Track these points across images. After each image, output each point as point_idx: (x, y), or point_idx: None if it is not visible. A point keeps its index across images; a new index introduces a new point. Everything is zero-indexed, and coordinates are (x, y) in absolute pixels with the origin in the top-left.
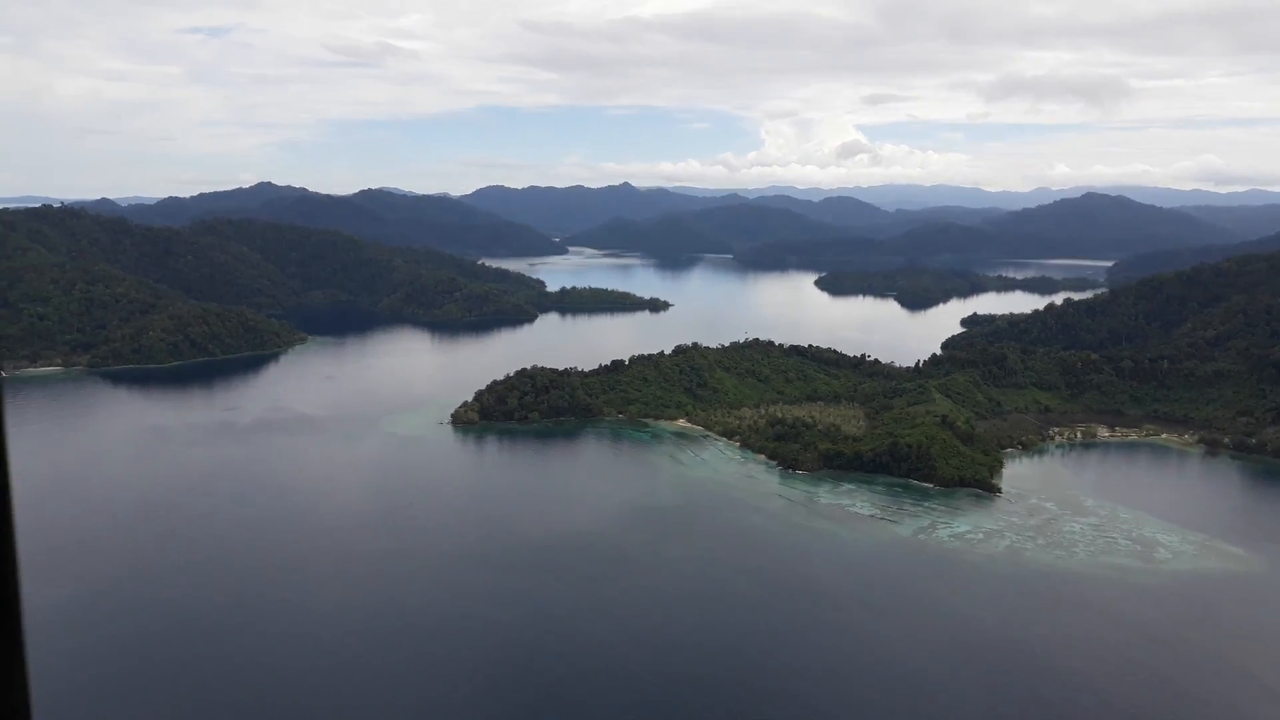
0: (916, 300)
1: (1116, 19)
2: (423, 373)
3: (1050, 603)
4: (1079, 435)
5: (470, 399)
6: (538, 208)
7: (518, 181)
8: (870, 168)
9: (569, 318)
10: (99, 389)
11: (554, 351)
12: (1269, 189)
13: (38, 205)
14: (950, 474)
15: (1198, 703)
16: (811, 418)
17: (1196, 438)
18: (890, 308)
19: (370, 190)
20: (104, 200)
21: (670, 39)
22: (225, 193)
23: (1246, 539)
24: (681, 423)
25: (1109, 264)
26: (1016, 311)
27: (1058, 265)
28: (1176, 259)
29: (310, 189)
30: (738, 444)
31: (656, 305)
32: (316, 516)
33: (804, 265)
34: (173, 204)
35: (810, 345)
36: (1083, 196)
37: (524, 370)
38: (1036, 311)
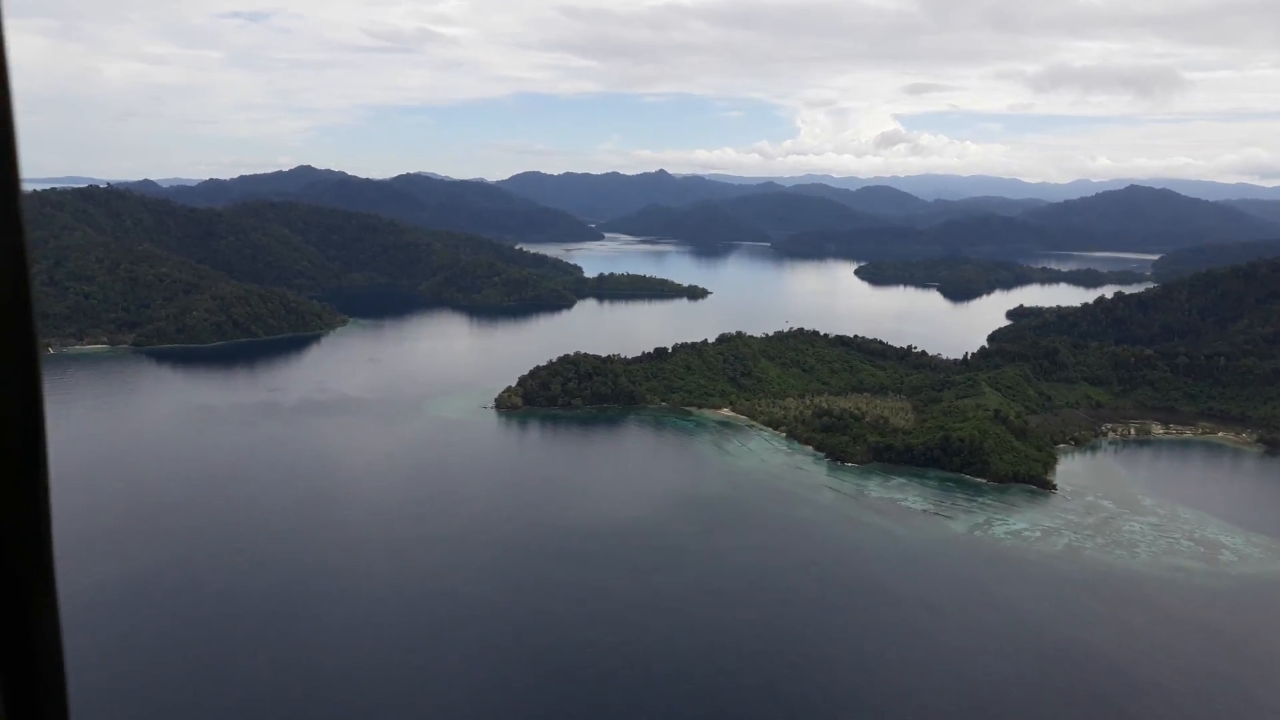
0: (959, 291)
1: (1167, 8)
2: (464, 356)
3: (1115, 604)
4: (1132, 432)
5: (513, 384)
6: (573, 193)
7: (553, 168)
8: (908, 157)
9: (606, 304)
10: (145, 367)
11: (593, 338)
12: None
13: (84, 185)
14: (1004, 469)
15: (1276, 714)
16: (859, 409)
17: (1255, 436)
18: (933, 298)
19: (408, 175)
20: (146, 181)
21: (710, 26)
22: (265, 175)
23: None
24: (726, 412)
25: (1154, 257)
26: (1062, 305)
27: (1101, 258)
28: (1224, 254)
29: (349, 173)
30: (784, 434)
31: (695, 292)
32: (365, 499)
33: (842, 254)
34: (214, 186)
35: (855, 335)
36: (1126, 189)
37: (567, 356)
38: (1086, 305)
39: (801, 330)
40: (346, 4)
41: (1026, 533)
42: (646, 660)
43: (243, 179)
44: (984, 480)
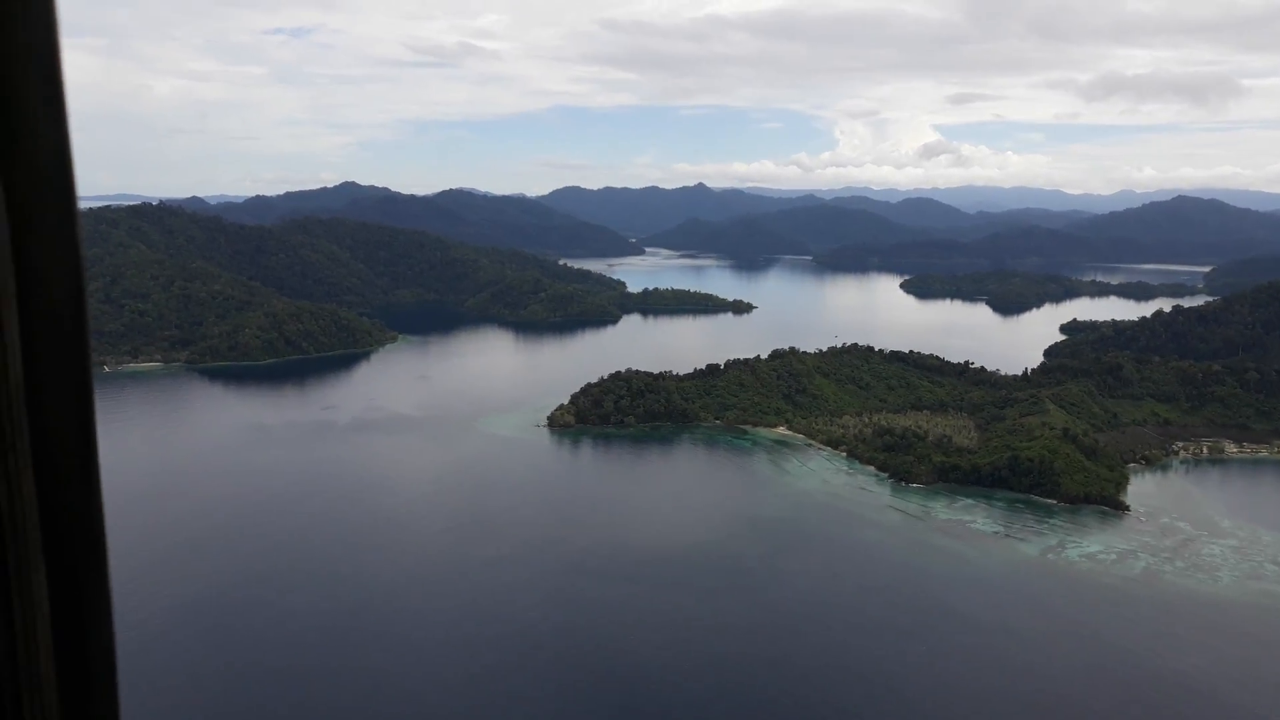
0: (1008, 305)
1: (1219, 14)
2: (513, 373)
3: (1203, 631)
4: (1205, 450)
5: (565, 401)
6: (613, 208)
7: (591, 182)
8: (949, 169)
9: (651, 319)
10: (199, 386)
11: (641, 354)
12: None
13: (135, 203)
14: (1075, 490)
15: None
16: (921, 428)
17: None
18: (982, 312)
19: (451, 190)
20: (194, 198)
21: (750, 37)
22: (310, 192)
23: None
24: (781, 430)
25: (1204, 269)
26: (1117, 318)
27: (1150, 270)
28: (1279, 265)
29: (392, 189)
30: (844, 454)
31: (740, 307)
32: (424, 520)
33: (885, 267)
34: (260, 202)
35: (911, 351)
36: (1173, 199)
37: (618, 373)
38: (1143, 319)
39: (855, 345)
40: (387, 19)
41: (1101, 555)
42: (726, 689)
43: (288, 195)
44: (1054, 501)
